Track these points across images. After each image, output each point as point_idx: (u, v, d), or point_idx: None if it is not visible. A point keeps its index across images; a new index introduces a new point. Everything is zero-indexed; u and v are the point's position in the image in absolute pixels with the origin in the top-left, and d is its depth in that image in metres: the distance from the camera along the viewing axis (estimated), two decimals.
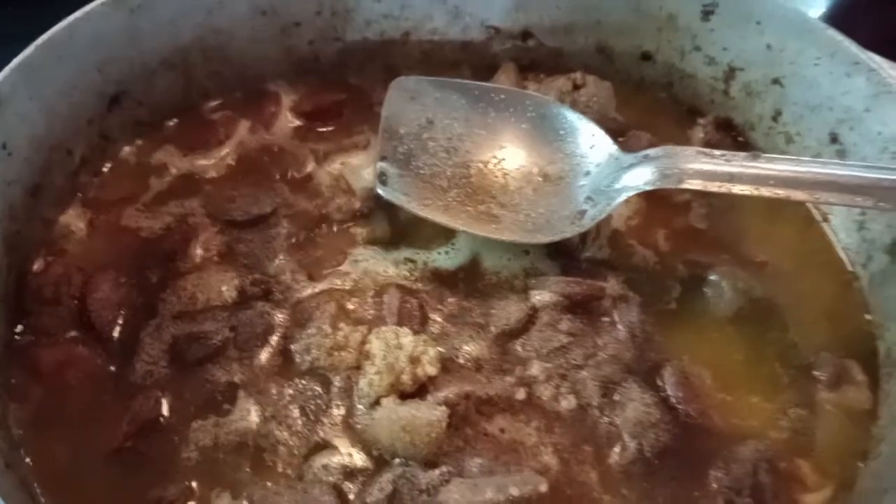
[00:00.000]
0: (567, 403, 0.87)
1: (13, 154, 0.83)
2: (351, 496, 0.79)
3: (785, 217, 1.04)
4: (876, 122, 0.97)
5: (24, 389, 0.81)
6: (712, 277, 0.97)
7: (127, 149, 1.00)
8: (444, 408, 0.81)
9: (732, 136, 1.12)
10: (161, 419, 0.82)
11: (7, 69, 0.81)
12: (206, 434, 0.81)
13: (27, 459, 0.77)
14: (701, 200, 1.04)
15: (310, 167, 1.02)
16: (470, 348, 0.89)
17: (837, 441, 0.88)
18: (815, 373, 0.91)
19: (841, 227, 1.03)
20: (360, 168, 1.02)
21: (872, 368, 0.93)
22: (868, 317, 0.97)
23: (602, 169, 0.98)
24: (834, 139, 1.02)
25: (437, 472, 0.79)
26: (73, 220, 0.94)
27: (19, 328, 0.85)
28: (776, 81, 1.06)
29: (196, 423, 0.82)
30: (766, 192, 0.88)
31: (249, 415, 0.83)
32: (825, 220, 1.05)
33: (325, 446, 0.82)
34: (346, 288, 0.93)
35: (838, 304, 0.99)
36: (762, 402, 0.89)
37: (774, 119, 1.08)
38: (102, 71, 0.93)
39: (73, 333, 0.85)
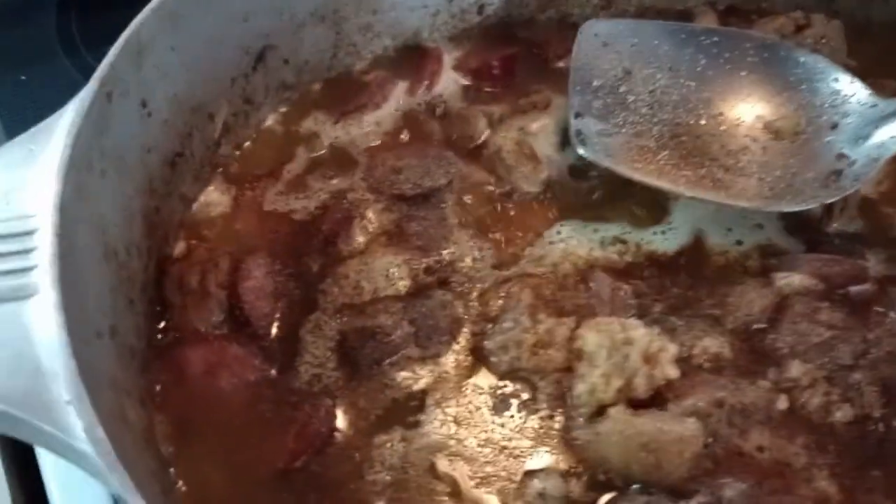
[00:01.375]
0: (842, 414, 0.68)
1: (153, 115, 0.69)
2: None
3: None
4: None
5: (170, 398, 0.67)
6: None
7: (272, 116, 0.86)
8: (695, 419, 0.63)
9: None
10: (336, 433, 0.66)
11: (146, 10, 0.67)
12: (394, 452, 0.65)
13: (180, 484, 0.62)
14: None
15: (484, 133, 0.85)
16: (706, 345, 0.71)
17: None
18: None
19: None
20: (543, 132, 0.85)
21: None
22: None
23: (854, 120, 0.78)
24: None
25: (692, 502, 0.61)
26: (216, 197, 0.79)
27: (162, 324, 0.70)
28: None
29: (379, 437, 0.66)
30: None
31: (443, 427, 0.67)
32: None
33: (538, 468, 0.65)
34: (543, 273, 0.76)
35: None
36: None
37: None
38: (248, 21, 0.78)
39: (224, 330, 0.71)
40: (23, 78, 1.06)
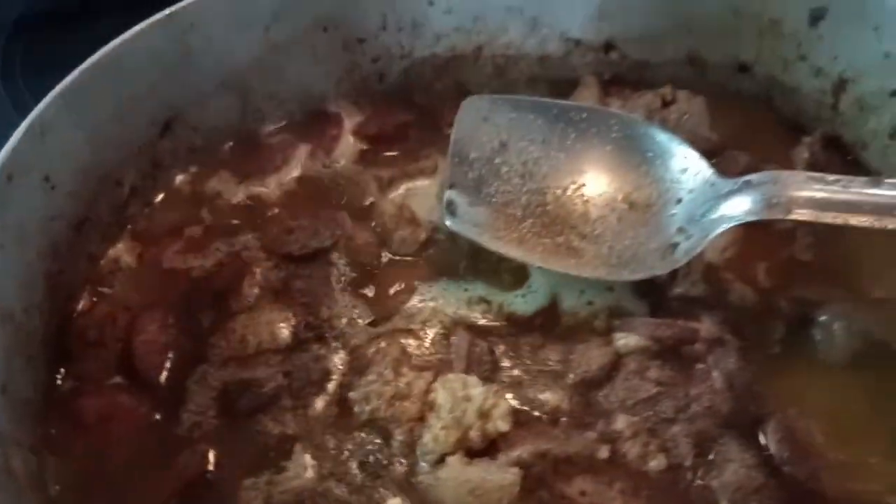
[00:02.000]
0: (656, 463, 0.77)
1: (56, 187, 0.78)
2: None
3: None
4: None
5: (65, 442, 0.76)
6: (822, 318, 0.86)
7: (180, 177, 0.95)
8: (516, 469, 0.73)
9: (842, 155, 1.00)
10: (208, 476, 0.75)
11: (50, 95, 0.76)
12: (259, 493, 0.74)
13: None
14: (806, 228, 0.92)
15: (372, 196, 0.94)
16: (546, 399, 0.81)
17: None
18: None
19: None
20: (426, 196, 0.94)
21: None
22: None
23: (696, 196, 0.87)
24: None
25: None
26: (122, 254, 0.88)
27: (61, 372, 0.79)
28: (895, 94, 0.94)
29: (248, 480, 0.75)
30: (891, 223, 0.77)
31: (306, 472, 0.76)
32: None
33: None
34: (411, 329, 0.85)
35: None
36: (884, 463, 0.78)
37: (892, 136, 0.96)
38: (154, 95, 0.87)
39: (117, 380, 0.80)
40: None
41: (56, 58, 1.13)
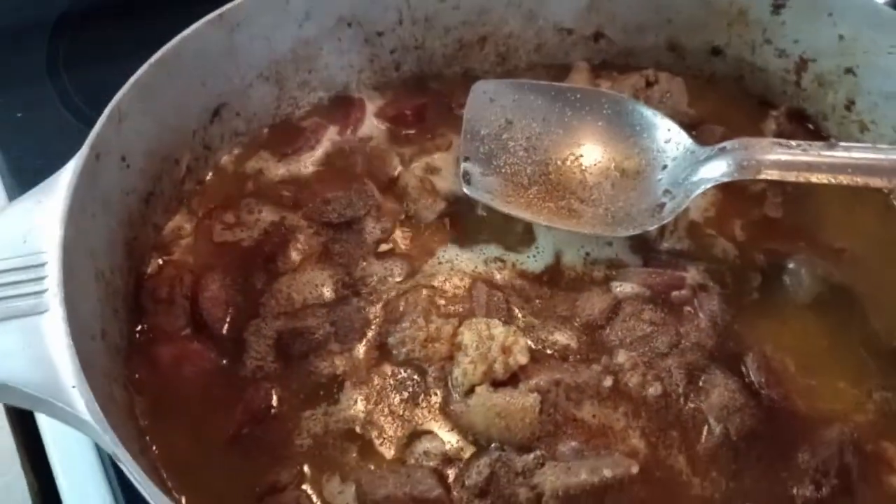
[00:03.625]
0: (653, 390, 0.89)
1: (131, 166, 0.90)
2: (451, 479, 0.83)
3: (863, 203, 1.06)
4: None
5: (146, 383, 0.88)
6: (790, 266, 0.99)
7: (226, 157, 1.07)
8: (536, 394, 0.85)
9: (806, 126, 1.14)
10: (272, 409, 0.87)
11: (125, 87, 0.87)
12: (317, 422, 0.86)
13: (153, 447, 0.84)
14: (775, 189, 1.06)
15: (397, 169, 1.07)
16: (557, 339, 0.93)
17: None
18: None
19: None
20: (443, 169, 1.07)
21: None
22: None
23: (679, 162, 1.00)
24: None
25: (531, 455, 0.83)
26: (181, 224, 1.00)
27: (139, 327, 0.91)
28: (849, 71, 1.08)
29: (307, 411, 0.87)
30: (844, 179, 0.91)
31: (356, 404, 0.88)
32: None
33: (425, 432, 0.87)
34: (436, 284, 0.97)
35: None
36: (847, 387, 0.91)
37: (848, 108, 1.10)
38: (206, 85, 0.99)
39: (187, 331, 0.91)
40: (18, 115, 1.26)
41: (98, 52, 1.26)
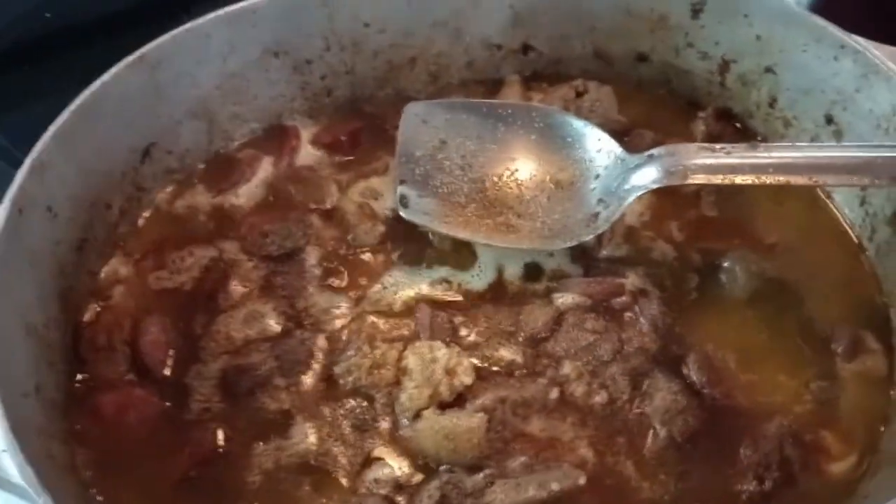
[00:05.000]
0: (599, 398, 0.91)
1: (58, 215, 0.89)
2: None
3: (791, 197, 1.08)
4: (867, 100, 1.01)
5: (88, 434, 0.87)
6: (725, 264, 1.01)
7: (161, 196, 1.06)
8: (482, 414, 0.86)
9: (733, 125, 1.17)
10: (221, 449, 0.87)
11: (45, 137, 0.86)
12: (268, 458, 0.86)
13: (99, 498, 0.83)
14: (709, 188, 1.08)
15: (335, 196, 1.07)
16: (502, 355, 0.94)
17: (859, 409, 0.92)
18: (833, 345, 0.96)
19: (844, 203, 1.07)
20: (382, 192, 1.07)
21: (886, 336, 0.97)
22: (878, 286, 1.02)
23: (610, 171, 1.02)
24: (829, 120, 1.06)
25: (480, 475, 0.84)
26: (118, 269, 0.99)
27: (79, 377, 0.90)
28: (769, 70, 1.10)
29: (258, 448, 0.87)
30: (767, 179, 0.93)
31: (307, 437, 0.87)
32: (829, 197, 1.09)
33: (375, 460, 0.87)
34: (381, 310, 0.97)
35: (849, 276, 1.03)
36: (786, 379, 0.93)
37: (771, 105, 1.12)
38: (131, 127, 0.98)
39: (129, 377, 0.91)
40: None
41: (24, 92, 1.24)
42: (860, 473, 0.88)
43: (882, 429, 0.91)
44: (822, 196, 1.09)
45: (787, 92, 1.10)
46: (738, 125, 1.17)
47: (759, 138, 1.14)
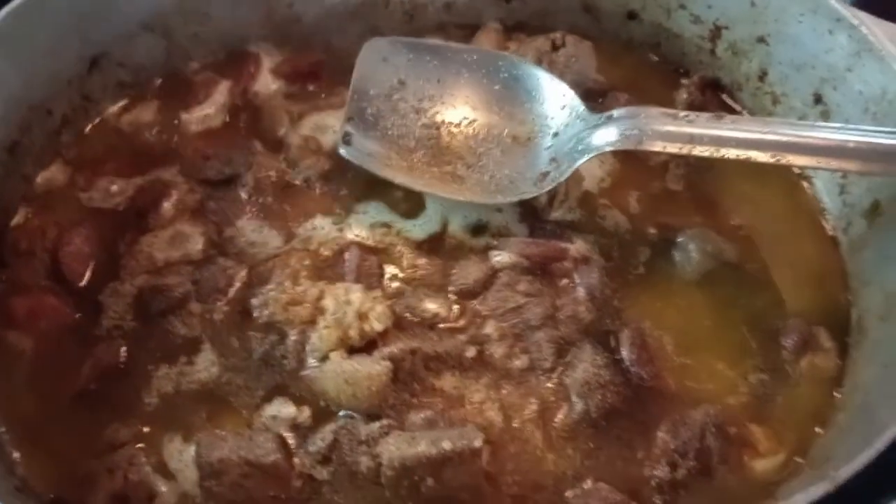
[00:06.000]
0: (519, 363, 0.87)
1: None
2: (293, 445, 0.82)
3: (766, 180, 1.02)
4: (857, 81, 0.94)
5: None
6: (680, 240, 0.96)
7: (110, 109, 1.04)
8: (387, 362, 0.83)
9: (719, 97, 1.10)
10: (122, 366, 0.86)
11: None
12: (169, 382, 0.85)
13: None
14: (679, 161, 1.02)
15: (283, 127, 1.04)
16: (426, 306, 0.90)
17: (798, 408, 0.87)
18: (782, 339, 0.90)
19: (823, 191, 1.01)
20: (332, 129, 1.03)
21: (842, 335, 0.91)
22: (844, 284, 0.95)
23: (568, 130, 0.97)
24: (818, 100, 0.99)
25: (377, 424, 0.81)
26: (55, 177, 0.98)
27: None
28: (761, 39, 1.03)
29: (161, 370, 0.86)
30: (727, 153, 0.87)
31: (212, 365, 0.86)
32: (810, 183, 1.02)
33: (276, 397, 0.85)
34: (311, 248, 0.95)
35: (815, 270, 0.97)
36: (724, 368, 0.89)
37: (760, 79, 1.06)
38: (80, 34, 0.96)
39: (46, 284, 0.90)
40: None
41: None
42: (784, 475, 0.83)
43: (818, 430, 0.85)
44: (803, 182, 1.03)
45: (778, 66, 1.03)
46: (724, 98, 1.10)
47: (744, 114, 1.07)
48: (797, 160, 0.87)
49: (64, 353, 0.86)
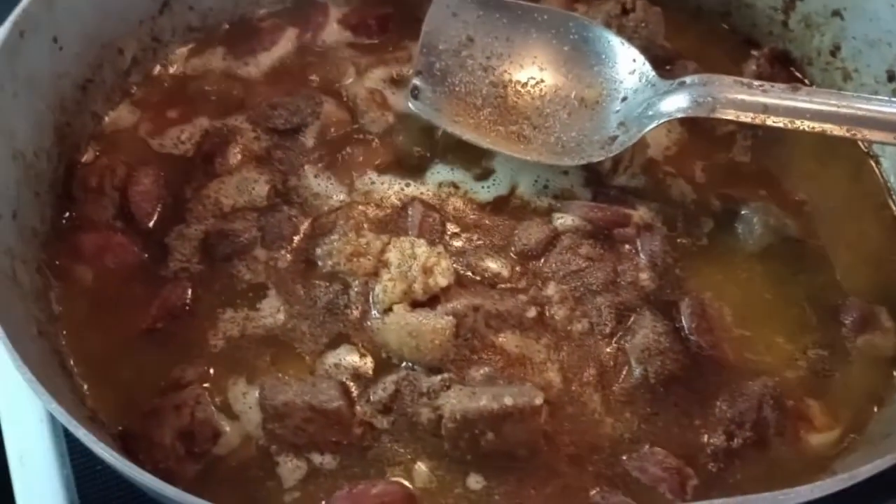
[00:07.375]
0: (580, 326, 0.88)
1: (64, 48, 0.88)
2: (356, 394, 0.83)
3: (834, 156, 1.01)
4: None
5: (66, 270, 0.88)
6: (744, 212, 0.95)
7: (178, 52, 1.04)
8: (451, 317, 0.84)
9: (788, 70, 1.08)
10: (189, 307, 0.87)
11: None
12: (235, 325, 0.86)
13: (63, 332, 0.84)
14: (746, 132, 1.02)
15: (350, 79, 1.03)
16: (487, 265, 0.91)
17: (855, 385, 0.87)
18: (842, 316, 0.90)
19: (891, 171, 0.99)
20: (399, 83, 1.03)
21: None
22: None
23: (638, 95, 0.96)
24: (891, 77, 0.98)
25: (438, 377, 0.82)
26: (123, 116, 0.99)
27: (66, 215, 0.91)
28: (836, 13, 1.01)
29: (227, 314, 0.87)
30: (802, 125, 0.86)
31: (277, 311, 0.87)
32: (877, 162, 1.01)
33: (339, 345, 0.86)
34: (374, 201, 0.95)
35: (877, 249, 0.96)
36: (783, 342, 0.89)
37: (833, 54, 1.04)
38: None
39: (114, 222, 0.91)
40: None
41: None
42: (839, 450, 0.83)
43: (875, 409, 0.85)
44: (870, 161, 1.01)
45: (852, 41, 1.01)
46: (795, 72, 1.08)
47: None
48: (872, 135, 0.86)
49: (131, 292, 0.87)
